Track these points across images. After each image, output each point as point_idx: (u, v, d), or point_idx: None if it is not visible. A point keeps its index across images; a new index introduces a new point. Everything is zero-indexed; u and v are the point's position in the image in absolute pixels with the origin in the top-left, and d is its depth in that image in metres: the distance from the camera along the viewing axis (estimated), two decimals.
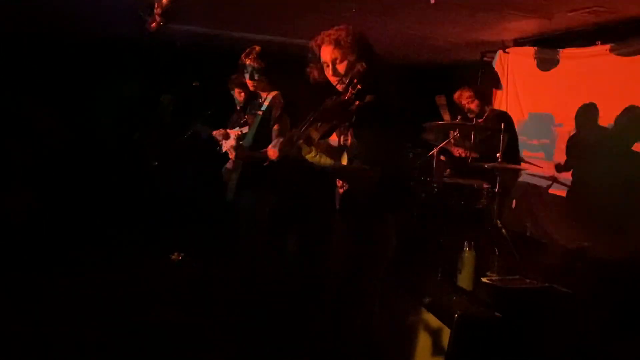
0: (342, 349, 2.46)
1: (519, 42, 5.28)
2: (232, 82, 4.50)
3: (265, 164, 2.89)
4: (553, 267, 3.68)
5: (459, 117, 4.35)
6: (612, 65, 4.41)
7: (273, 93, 3.42)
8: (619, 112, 4.36)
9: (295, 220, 3.61)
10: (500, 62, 5.52)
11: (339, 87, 2.35)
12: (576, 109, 4.68)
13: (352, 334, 2.45)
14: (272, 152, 2.85)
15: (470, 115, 4.44)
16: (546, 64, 5.05)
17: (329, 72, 2.36)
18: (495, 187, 3.69)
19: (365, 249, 2.37)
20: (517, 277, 3.19)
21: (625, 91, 4.32)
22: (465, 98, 4.42)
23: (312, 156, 2.38)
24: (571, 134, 4.72)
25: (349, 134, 2.39)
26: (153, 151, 5.15)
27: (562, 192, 4.76)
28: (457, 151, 4.30)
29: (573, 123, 4.71)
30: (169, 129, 5.37)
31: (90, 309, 3.53)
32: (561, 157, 4.78)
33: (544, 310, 2.87)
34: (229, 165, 3.72)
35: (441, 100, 4.79)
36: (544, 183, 4.86)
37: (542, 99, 5.10)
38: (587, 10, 4.12)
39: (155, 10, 4.01)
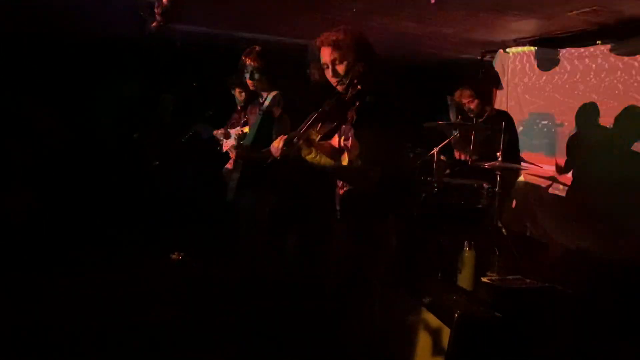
0: (342, 349, 2.47)
1: (519, 42, 5.28)
2: (232, 82, 4.50)
3: (268, 162, 2.89)
4: (553, 267, 3.68)
5: (459, 117, 4.36)
6: (612, 65, 4.42)
7: (273, 93, 3.42)
8: (619, 112, 4.36)
9: (295, 220, 3.61)
10: (500, 62, 5.52)
11: (339, 88, 2.35)
12: (576, 109, 4.68)
13: (352, 334, 2.45)
14: (275, 148, 2.85)
15: (471, 115, 4.45)
16: (546, 64, 5.05)
17: (328, 74, 2.36)
18: (495, 187, 3.70)
19: (365, 249, 2.37)
20: (517, 277, 3.19)
21: (625, 91, 4.33)
22: (465, 98, 4.43)
23: (312, 157, 2.38)
24: (571, 134, 4.72)
25: (349, 134, 2.39)
26: (153, 151, 5.15)
27: (562, 192, 4.76)
28: (458, 154, 4.30)
29: (573, 123, 4.71)
30: (169, 129, 5.38)
31: (90, 308, 3.53)
32: (561, 157, 4.78)
33: (544, 310, 2.86)
34: (229, 165, 3.72)
35: (453, 100, 4.83)
36: (544, 183, 4.86)
37: (542, 99, 5.11)
38: (587, 10, 4.12)
39: (155, 10, 4.01)
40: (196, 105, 5.06)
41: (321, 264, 3.09)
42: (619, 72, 4.36)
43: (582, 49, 4.71)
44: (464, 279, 3.08)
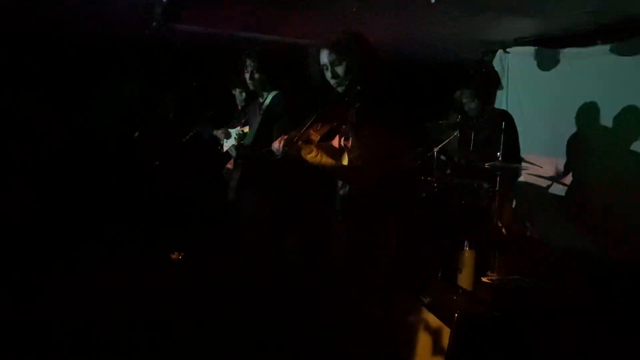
0: (342, 349, 2.47)
1: (519, 42, 5.27)
2: (232, 82, 4.50)
3: (268, 162, 2.89)
4: (553, 267, 3.68)
5: (459, 117, 4.35)
6: (612, 65, 4.41)
7: (273, 93, 3.42)
8: (618, 112, 4.36)
9: (295, 220, 3.61)
10: (500, 62, 5.52)
11: (339, 89, 2.36)
12: (576, 109, 4.68)
13: (352, 334, 2.46)
14: (275, 148, 2.85)
15: (471, 115, 4.44)
16: (546, 64, 5.04)
17: (328, 75, 2.36)
18: (495, 187, 3.69)
19: (365, 249, 2.37)
20: (517, 277, 3.19)
21: (625, 91, 4.32)
22: (465, 97, 4.42)
23: (312, 156, 2.39)
24: (571, 134, 4.72)
25: (349, 134, 2.39)
26: (154, 151, 5.15)
27: (562, 192, 4.76)
28: (458, 154, 4.30)
29: (573, 123, 4.70)
30: (169, 128, 5.38)
31: (90, 308, 3.53)
32: (561, 157, 4.78)
33: (544, 310, 2.87)
34: (229, 165, 3.72)
35: (453, 100, 4.84)
36: (544, 183, 4.86)
37: (542, 98, 5.10)
38: (587, 10, 4.11)
39: (155, 10, 4.02)
40: (196, 105, 5.06)
41: (321, 264, 3.09)
42: (619, 72, 4.36)
43: (582, 49, 4.70)
44: (464, 279, 3.08)
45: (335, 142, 2.49)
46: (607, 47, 4.45)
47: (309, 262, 3.64)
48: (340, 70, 2.32)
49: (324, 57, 2.35)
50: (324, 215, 2.82)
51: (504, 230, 3.72)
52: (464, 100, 4.43)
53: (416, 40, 5.51)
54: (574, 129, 4.70)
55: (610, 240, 4.17)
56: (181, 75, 5.79)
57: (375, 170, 2.28)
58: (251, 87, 3.48)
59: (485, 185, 3.79)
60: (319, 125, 2.32)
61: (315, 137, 2.36)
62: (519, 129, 4.23)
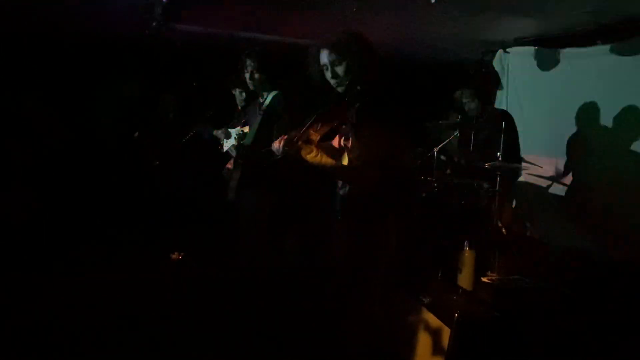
0: (343, 349, 2.47)
1: (519, 42, 5.27)
2: (233, 82, 4.50)
3: (268, 162, 2.89)
4: (553, 267, 3.68)
5: (459, 117, 4.35)
6: (612, 65, 4.41)
7: (273, 93, 3.42)
8: (618, 112, 4.36)
9: (295, 220, 3.61)
10: (500, 62, 5.52)
11: (339, 89, 2.36)
12: (576, 109, 4.67)
13: (353, 334, 2.46)
14: (275, 148, 2.84)
15: (471, 115, 4.44)
16: (546, 64, 5.04)
17: (328, 75, 2.36)
18: (495, 187, 3.69)
19: (365, 249, 2.37)
20: (517, 277, 3.19)
21: (625, 91, 4.32)
22: (465, 97, 4.42)
23: (312, 156, 2.39)
24: (571, 134, 4.72)
25: (349, 134, 2.39)
26: (154, 151, 5.15)
27: (562, 192, 4.76)
28: (458, 154, 4.30)
29: (573, 123, 4.70)
30: (169, 128, 5.38)
31: (90, 308, 3.53)
32: (561, 157, 4.78)
33: (544, 310, 2.87)
34: (229, 165, 3.72)
35: (453, 100, 4.84)
36: (544, 183, 4.86)
37: (542, 99, 5.10)
38: (587, 10, 4.11)
39: (155, 10, 4.02)
40: (196, 105, 5.06)
41: (321, 264, 3.09)
42: (619, 72, 4.36)
43: (582, 49, 4.70)
44: (464, 279, 3.08)
45: (335, 142, 2.49)
46: (607, 47, 4.45)
47: (309, 262, 3.64)
48: (340, 70, 2.33)
49: (324, 57, 2.35)
50: (324, 215, 2.82)
51: (504, 230, 3.72)
52: (464, 100, 4.43)
53: (416, 40, 5.51)
54: (574, 129, 4.70)
55: (610, 240, 4.16)
56: (181, 75, 5.79)
57: (375, 170, 2.28)
58: (251, 87, 3.48)
59: (485, 185, 3.79)
60: (319, 125, 2.32)
61: (315, 137, 2.36)
62: (519, 129, 4.23)
